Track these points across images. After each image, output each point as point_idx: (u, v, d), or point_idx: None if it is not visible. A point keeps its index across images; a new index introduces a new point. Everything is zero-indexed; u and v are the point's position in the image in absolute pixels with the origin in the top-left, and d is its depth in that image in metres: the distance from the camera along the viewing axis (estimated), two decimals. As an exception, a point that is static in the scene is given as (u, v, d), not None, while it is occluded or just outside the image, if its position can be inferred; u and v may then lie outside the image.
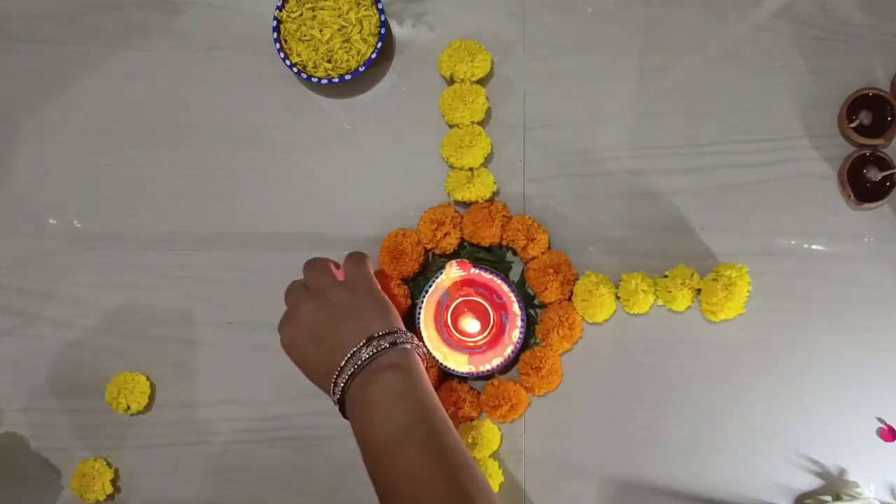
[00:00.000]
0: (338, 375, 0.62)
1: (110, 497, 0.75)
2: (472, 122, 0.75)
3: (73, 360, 0.78)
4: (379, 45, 0.74)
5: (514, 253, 0.76)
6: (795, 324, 0.74)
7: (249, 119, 0.78)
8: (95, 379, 0.77)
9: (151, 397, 0.76)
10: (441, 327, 0.73)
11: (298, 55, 0.75)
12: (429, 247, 0.75)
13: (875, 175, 0.73)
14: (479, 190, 0.74)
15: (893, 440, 0.72)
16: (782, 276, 0.74)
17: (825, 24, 0.76)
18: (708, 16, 0.77)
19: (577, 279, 0.74)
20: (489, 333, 0.72)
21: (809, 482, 0.73)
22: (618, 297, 0.74)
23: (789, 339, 0.74)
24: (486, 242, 0.74)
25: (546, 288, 0.73)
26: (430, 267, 0.76)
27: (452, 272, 0.72)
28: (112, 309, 0.78)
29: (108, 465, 0.75)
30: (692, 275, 0.72)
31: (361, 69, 0.74)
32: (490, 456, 0.74)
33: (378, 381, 0.61)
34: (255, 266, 0.77)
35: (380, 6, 0.74)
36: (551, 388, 0.74)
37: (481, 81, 0.76)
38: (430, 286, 0.73)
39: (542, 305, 0.75)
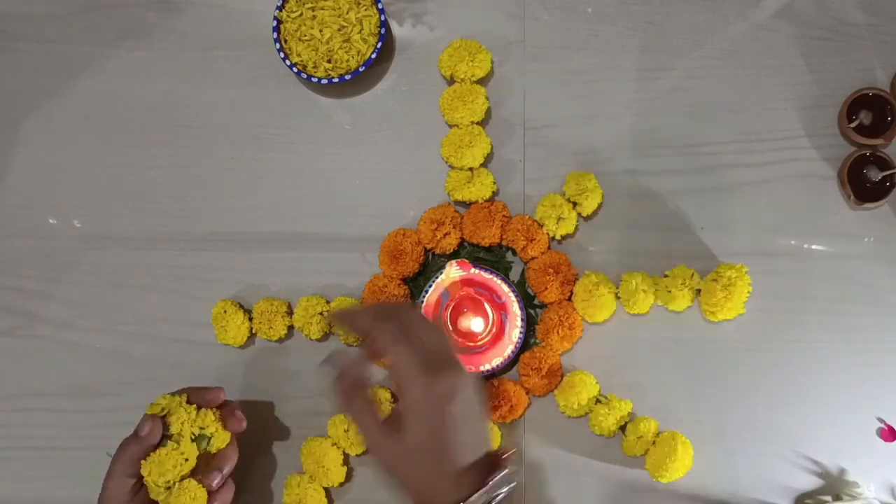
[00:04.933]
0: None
1: None
2: (472, 122, 0.75)
3: (73, 360, 0.78)
4: (379, 45, 0.74)
5: (514, 253, 0.76)
6: (795, 324, 0.74)
7: (249, 119, 0.78)
8: (95, 379, 0.77)
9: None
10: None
11: (298, 55, 0.75)
12: (429, 247, 0.75)
13: (875, 175, 0.73)
14: (478, 190, 0.74)
15: (893, 440, 0.72)
16: (782, 276, 0.74)
17: (825, 24, 0.76)
18: (708, 16, 0.77)
19: (577, 279, 0.74)
20: (489, 333, 0.72)
21: (809, 482, 0.73)
22: (618, 297, 0.74)
23: (789, 339, 0.74)
24: (485, 242, 0.74)
25: (546, 288, 0.73)
26: (430, 267, 0.76)
27: (452, 272, 0.72)
28: (112, 309, 0.78)
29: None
30: (692, 275, 0.72)
31: (361, 69, 0.74)
32: (490, 456, 0.74)
33: None
34: (256, 266, 0.77)
35: (380, 6, 0.74)
36: (552, 388, 0.74)
37: (481, 81, 0.76)
38: (430, 286, 0.73)
39: (542, 305, 0.75)
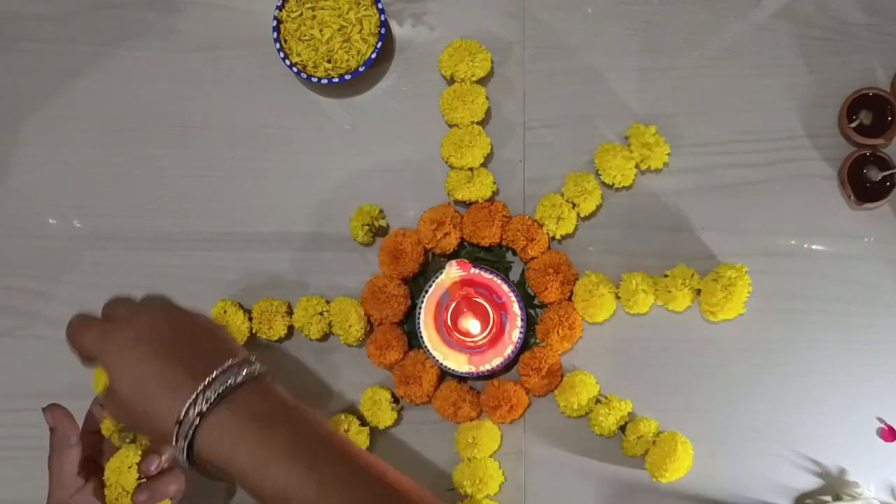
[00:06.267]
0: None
1: None
2: (472, 122, 0.75)
3: (73, 360, 0.77)
4: (379, 45, 0.74)
5: (514, 253, 0.76)
6: (795, 324, 0.74)
7: (249, 119, 0.78)
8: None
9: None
10: (441, 327, 0.73)
11: (298, 55, 0.75)
12: (429, 247, 0.75)
13: (875, 175, 0.73)
14: (478, 190, 0.74)
15: (893, 440, 0.72)
16: (782, 276, 0.74)
17: (825, 24, 0.76)
18: (708, 15, 0.77)
19: (577, 279, 0.74)
20: (489, 333, 0.72)
21: (809, 482, 0.73)
22: (618, 297, 0.74)
23: (789, 339, 0.74)
24: (486, 242, 0.74)
25: (546, 288, 0.73)
26: (430, 267, 0.76)
27: (452, 272, 0.72)
28: (112, 309, 0.78)
29: None
30: (692, 275, 0.72)
31: (361, 69, 0.74)
32: (490, 456, 0.74)
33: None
34: (255, 266, 0.77)
35: (380, 6, 0.74)
36: (552, 388, 0.74)
37: (481, 81, 0.76)
38: (430, 286, 0.73)
39: (542, 305, 0.75)
